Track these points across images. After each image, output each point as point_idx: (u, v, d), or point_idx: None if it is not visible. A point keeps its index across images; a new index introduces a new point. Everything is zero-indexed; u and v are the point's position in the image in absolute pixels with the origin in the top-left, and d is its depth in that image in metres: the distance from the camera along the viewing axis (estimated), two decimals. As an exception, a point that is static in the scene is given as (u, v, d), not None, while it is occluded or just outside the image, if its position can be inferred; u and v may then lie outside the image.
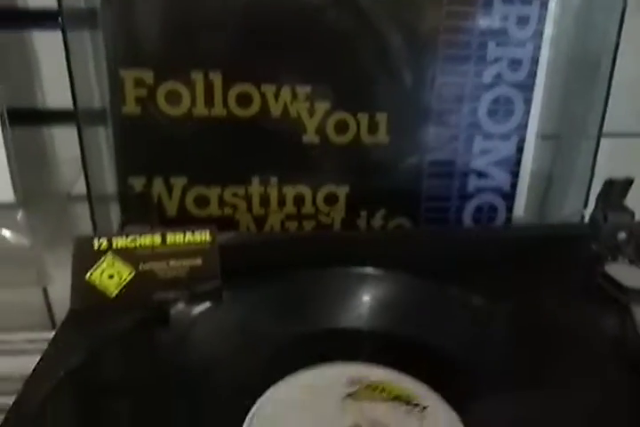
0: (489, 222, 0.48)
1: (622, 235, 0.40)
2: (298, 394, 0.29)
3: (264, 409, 0.28)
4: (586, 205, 0.48)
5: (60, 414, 0.27)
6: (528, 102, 0.46)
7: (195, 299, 0.35)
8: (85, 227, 0.44)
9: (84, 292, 0.35)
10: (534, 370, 0.30)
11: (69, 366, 0.29)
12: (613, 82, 0.45)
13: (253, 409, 0.28)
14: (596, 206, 0.42)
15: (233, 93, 0.42)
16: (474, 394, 0.29)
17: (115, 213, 0.46)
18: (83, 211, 0.45)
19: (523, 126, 0.46)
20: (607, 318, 0.34)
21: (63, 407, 0.28)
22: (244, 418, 0.27)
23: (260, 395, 0.29)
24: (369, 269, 0.37)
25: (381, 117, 0.44)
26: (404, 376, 0.30)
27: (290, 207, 0.45)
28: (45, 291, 0.48)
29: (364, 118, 0.44)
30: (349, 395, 0.28)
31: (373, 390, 0.29)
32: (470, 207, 0.48)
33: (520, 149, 0.47)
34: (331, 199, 0.46)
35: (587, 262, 0.38)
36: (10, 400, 0.27)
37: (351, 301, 0.36)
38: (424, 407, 0.28)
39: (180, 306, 0.34)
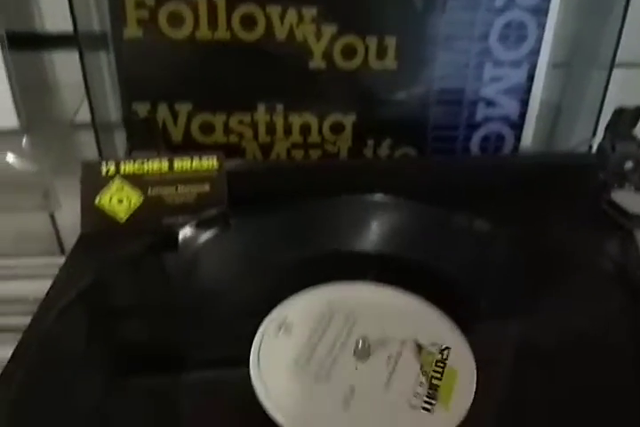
0: (496, 152, 0.48)
1: (629, 164, 0.40)
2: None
3: (272, 328, 0.29)
4: (594, 135, 0.47)
5: (72, 333, 0.28)
6: (541, 27, 0.44)
7: (202, 224, 0.36)
8: (91, 154, 0.44)
9: (93, 216, 0.35)
10: (537, 293, 0.31)
11: (80, 287, 0.30)
12: (629, 11, 0.43)
13: (261, 328, 0.29)
14: (604, 136, 0.42)
15: (237, 15, 0.40)
16: (476, 314, 0.30)
17: (120, 140, 0.45)
18: (87, 138, 0.44)
19: (535, 53, 0.45)
20: (611, 244, 0.34)
21: (75, 327, 0.29)
22: (253, 338, 0.28)
23: (267, 315, 0.30)
24: (376, 197, 0.38)
25: (390, 42, 0.42)
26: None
27: (296, 136, 0.45)
28: (53, 218, 0.49)
29: (372, 42, 0.42)
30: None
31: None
32: (478, 137, 0.47)
33: (531, 77, 0.46)
34: (337, 128, 0.45)
35: (593, 191, 0.38)
36: (25, 321, 0.28)
37: (357, 227, 0.36)
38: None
39: (189, 231, 0.35)
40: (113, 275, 0.32)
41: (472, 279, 0.32)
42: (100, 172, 0.35)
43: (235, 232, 0.36)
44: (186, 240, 0.35)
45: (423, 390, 0.25)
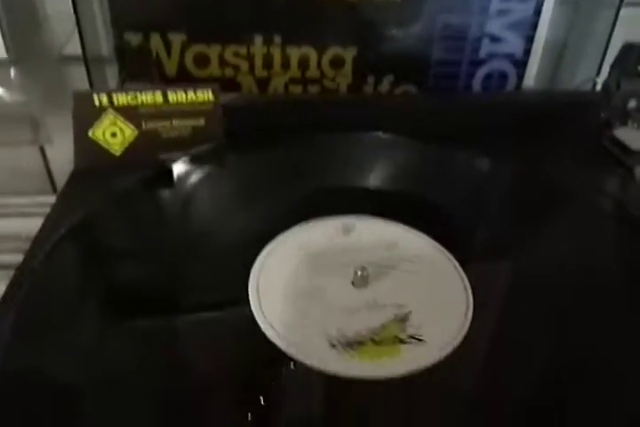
0: (498, 91, 0.47)
1: (633, 102, 0.39)
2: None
3: (269, 260, 0.29)
4: (598, 74, 0.46)
5: (65, 270, 0.28)
6: (551, -40, 0.43)
7: (198, 159, 0.35)
8: (82, 88, 0.42)
9: (87, 150, 0.35)
10: (535, 229, 0.31)
11: (72, 223, 0.29)
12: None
13: (259, 261, 0.28)
14: (610, 73, 0.41)
15: (233, -61, 0.38)
16: (474, 249, 0.30)
17: (111, 74, 0.44)
18: (78, 73, 0.43)
19: (543, -14, 0.43)
20: (611, 181, 0.34)
21: (67, 264, 0.28)
22: (250, 270, 0.28)
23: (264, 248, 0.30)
24: (375, 134, 0.37)
25: (394, -29, 0.41)
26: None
27: (294, 70, 0.43)
28: (45, 155, 0.48)
29: (375, -29, 0.40)
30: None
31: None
32: (480, 74, 0.46)
33: (538, 12, 0.44)
34: (337, 62, 0.44)
35: (595, 129, 0.38)
36: (18, 258, 0.28)
37: (355, 163, 0.36)
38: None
39: (184, 166, 0.34)
40: (106, 210, 0.31)
41: (471, 215, 0.32)
42: (93, 103, 0.34)
43: (230, 167, 0.36)
44: (181, 175, 0.34)
45: (411, 325, 0.25)
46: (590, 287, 0.27)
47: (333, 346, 0.24)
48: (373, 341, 0.24)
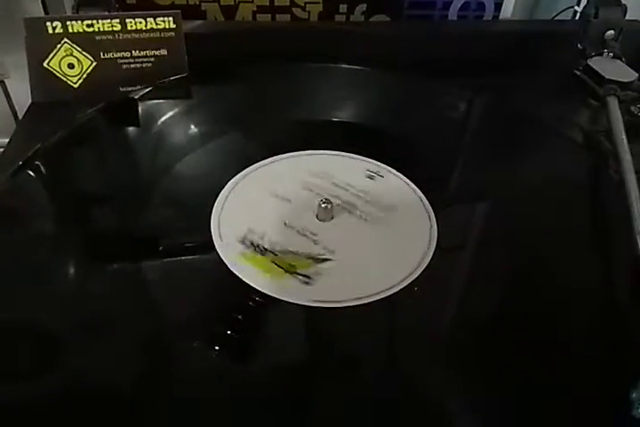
0: (474, 21, 0.45)
1: (610, 32, 0.38)
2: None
3: (234, 193, 0.28)
4: (579, 3, 0.45)
5: (18, 207, 0.27)
6: None
7: (160, 91, 0.34)
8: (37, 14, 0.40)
9: (43, 82, 0.33)
10: (506, 158, 0.31)
11: (29, 155, 0.28)
12: None
13: (223, 193, 0.28)
14: (588, 1, 0.39)
15: None
16: (443, 180, 0.30)
17: (69, 5, 0.41)
18: (32, 1, 0.41)
19: None
20: (583, 110, 0.34)
21: (23, 199, 0.27)
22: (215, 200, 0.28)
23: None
24: (345, 65, 0.36)
25: None
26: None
27: (262, -3, 0.41)
28: (7, 92, 0.46)
29: None
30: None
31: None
32: (456, 4, 0.44)
33: (517, -64, 0.42)
34: (307, -11, 0.42)
35: (571, 58, 0.37)
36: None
37: (324, 95, 0.35)
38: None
39: (146, 98, 0.33)
40: (63, 143, 0.30)
41: (440, 147, 0.32)
42: (46, 30, 0.32)
43: (194, 99, 0.35)
44: (143, 108, 0.33)
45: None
46: (558, 218, 0.27)
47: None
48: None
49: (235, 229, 0.26)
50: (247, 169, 0.29)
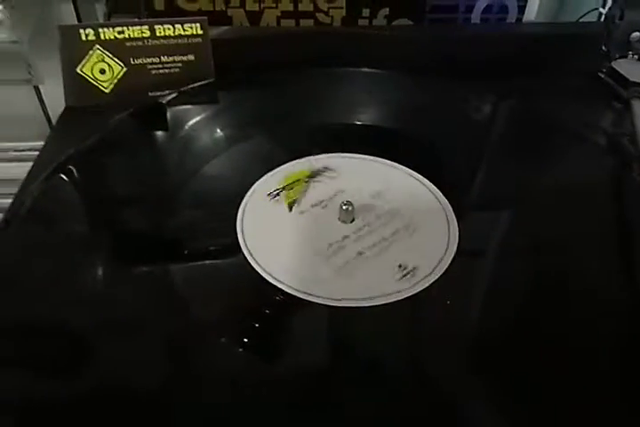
0: (498, 24, 0.46)
1: (636, 34, 0.38)
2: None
3: (259, 195, 0.29)
4: (604, 5, 0.44)
5: (54, 208, 0.28)
6: None
7: (189, 96, 0.35)
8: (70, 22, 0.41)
9: (76, 87, 0.34)
10: (529, 163, 0.31)
11: (63, 158, 0.29)
12: None
13: (247, 197, 0.29)
14: (613, 3, 0.39)
15: None
16: (468, 185, 0.30)
17: (101, 12, 0.43)
18: (67, 9, 0.42)
19: None
20: (608, 113, 0.34)
21: (56, 201, 0.28)
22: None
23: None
24: (368, 69, 0.36)
25: None
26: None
27: (286, 3, 0.42)
28: (41, 98, 0.47)
29: None
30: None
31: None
32: (480, 6, 0.44)
33: (541, -61, 0.42)
34: (330, -5, 0.42)
35: (595, 61, 0.37)
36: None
37: (349, 98, 0.35)
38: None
39: (175, 103, 0.34)
40: (97, 146, 0.31)
41: (464, 151, 0.32)
42: (79, 36, 0.33)
43: (222, 103, 0.36)
44: (172, 112, 0.34)
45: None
46: (582, 220, 0.27)
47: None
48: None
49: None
50: (272, 171, 0.30)
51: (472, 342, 0.23)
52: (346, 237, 0.26)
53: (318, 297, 0.23)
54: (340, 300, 0.23)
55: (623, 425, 0.19)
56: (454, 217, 0.27)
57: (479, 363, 0.22)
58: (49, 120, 0.47)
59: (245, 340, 0.22)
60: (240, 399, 0.20)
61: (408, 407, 0.20)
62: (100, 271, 0.25)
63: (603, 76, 0.35)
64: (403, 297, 0.23)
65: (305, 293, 0.24)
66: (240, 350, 0.22)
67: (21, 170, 0.40)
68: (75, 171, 0.29)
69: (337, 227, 0.27)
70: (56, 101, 0.38)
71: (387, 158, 0.31)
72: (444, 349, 0.22)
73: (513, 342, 0.22)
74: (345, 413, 0.20)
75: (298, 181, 0.29)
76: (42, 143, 0.34)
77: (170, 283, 0.25)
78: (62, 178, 0.28)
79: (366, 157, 0.31)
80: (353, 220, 0.27)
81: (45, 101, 0.47)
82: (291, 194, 0.29)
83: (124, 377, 0.21)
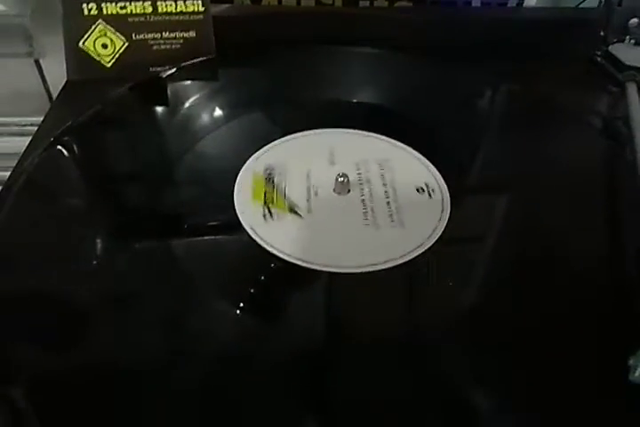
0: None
1: (635, 20, 0.38)
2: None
3: (257, 169, 0.29)
4: (604, -9, 0.45)
5: (52, 178, 0.28)
6: None
7: (190, 72, 0.35)
8: None
9: (78, 61, 0.35)
10: (523, 145, 0.31)
11: (63, 129, 0.29)
12: None
13: (243, 169, 0.29)
14: (613, -12, 0.40)
15: None
16: (462, 165, 0.31)
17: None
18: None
19: None
20: (603, 96, 0.34)
21: (56, 170, 0.29)
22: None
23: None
24: (368, 49, 0.37)
25: None
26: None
27: (288, -18, 0.42)
28: (42, 73, 0.47)
29: None
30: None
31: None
32: (480, -10, 0.45)
33: None
34: (332, -25, 0.43)
35: (593, 45, 0.37)
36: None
37: (349, 77, 0.36)
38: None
39: (176, 78, 0.34)
40: (97, 118, 0.31)
41: (460, 132, 0.32)
42: (82, 11, 0.33)
43: (221, 80, 0.36)
44: (173, 88, 0.34)
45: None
46: (574, 204, 0.28)
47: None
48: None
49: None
50: (267, 146, 0.30)
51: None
52: (344, 207, 0.27)
53: (318, 265, 0.24)
54: (342, 267, 0.24)
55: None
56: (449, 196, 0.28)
57: (474, 329, 0.22)
58: (50, 95, 0.47)
59: (251, 309, 0.23)
60: (242, 369, 0.21)
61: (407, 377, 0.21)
62: (96, 244, 0.25)
63: (599, 59, 0.35)
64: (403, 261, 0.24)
65: (307, 261, 0.24)
66: (246, 319, 0.23)
67: (24, 144, 0.41)
68: (72, 143, 0.29)
69: (333, 198, 0.27)
70: (57, 77, 0.38)
71: (386, 136, 0.31)
72: (443, 316, 0.23)
73: (510, 312, 0.23)
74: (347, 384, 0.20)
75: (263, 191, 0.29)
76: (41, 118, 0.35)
77: (169, 254, 0.25)
78: (59, 150, 0.29)
79: (362, 132, 0.31)
80: (349, 191, 0.28)
81: (46, 77, 0.47)
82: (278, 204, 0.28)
83: (123, 350, 0.21)
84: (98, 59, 0.35)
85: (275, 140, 0.30)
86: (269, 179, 0.28)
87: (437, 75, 0.35)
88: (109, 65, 0.35)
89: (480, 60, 0.35)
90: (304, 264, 0.24)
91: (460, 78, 0.35)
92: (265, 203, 0.27)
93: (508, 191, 0.29)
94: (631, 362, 0.19)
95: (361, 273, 0.24)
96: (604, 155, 0.31)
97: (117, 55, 0.35)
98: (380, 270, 0.24)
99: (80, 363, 0.21)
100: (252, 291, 0.24)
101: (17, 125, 0.46)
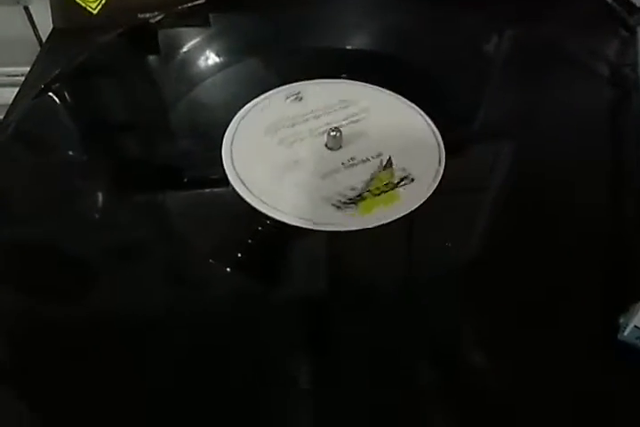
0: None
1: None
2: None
3: (251, 114, 0.29)
4: None
5: (43, 127, 0.28)
6: None
7: (178, 18, 0.34)
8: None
9: (64, 8, 0.34)
10: (527, 91, 0.30)
11: (51, 77, 0.29)
12: None
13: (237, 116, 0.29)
14: None
15: None
16: (463, 114, 0.30)
17: None
18: None
19: None
20: (613, 41, 0.32)
21: (46, 118, 0.28)
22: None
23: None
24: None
25: None
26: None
27: None
28: (31, 19, 0.46)
29: None
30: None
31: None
32: None
33: None
34: None
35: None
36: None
37: (342, 24, 0.34)
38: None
39: (165, 24, 0.33)
40: (82, 67, 0.30)
41: (462, 77, 0.31)
42: (64, -48, 0.32)
43: (213, 26, 0.35)
44: (163, 34, 0.33)
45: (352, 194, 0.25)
46: (580, 152, 0.27)
47: (338, 207, 0.24)
48: (370, 192, 0.25)
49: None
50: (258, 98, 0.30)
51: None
52: (335, 163, 0.26)
53: (308, 221, 0.24)
54: (330, 224, 0.24)
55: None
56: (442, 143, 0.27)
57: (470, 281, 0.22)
58: (41, 44, 0.46)
59: (244, 266, 0.23)
60: (236, 324, 0.21)
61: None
62: (87, 194, 0.25)
63: (609, 1, 0.33)
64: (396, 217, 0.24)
65: (303, 218, 0.24)
66: (229, 272, 0.23)
67: (14, 95, 0.40)
68: (61, 92, 0.28)
69: (326, 154, 0.27)
70: (48, 24, 0.37)
71: (378, 84, 0.30)
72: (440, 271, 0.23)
73: (506, 264, 0.22)
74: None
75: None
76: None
77: (158, 206, 0.25)
78: (48, 99, 0.28)
79: (356, 82, 0.30)
80: (340, 146, 0.27)
81: (37, 24, 0.46)
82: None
83: (117, 301, 0.21)
84: (84, 5, 0.33)
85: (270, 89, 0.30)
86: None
87: (435, 19, 0.33)
88: (96, 11, 0.34)
89: (483, 3, 0.33)
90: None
91: (459, 20, 0.33)
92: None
93: (511, 140, 0.28)
94: (621, 320, 0.18)
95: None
96: (610, 102, 0.30)
97: (104, 1, 0.34)
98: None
99: (72, 312, 0.21)
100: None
101: (8, 75, 0.45)
